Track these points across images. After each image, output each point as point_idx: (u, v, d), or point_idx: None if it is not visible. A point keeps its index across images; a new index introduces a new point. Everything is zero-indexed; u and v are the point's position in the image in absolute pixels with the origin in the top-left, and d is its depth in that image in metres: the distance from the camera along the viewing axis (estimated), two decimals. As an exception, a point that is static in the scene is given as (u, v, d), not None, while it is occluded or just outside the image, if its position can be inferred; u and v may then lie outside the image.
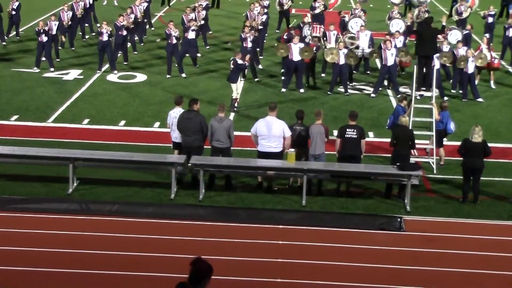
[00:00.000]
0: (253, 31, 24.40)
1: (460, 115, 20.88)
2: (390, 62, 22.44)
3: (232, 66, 20.84)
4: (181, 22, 26.40)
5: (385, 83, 23.50)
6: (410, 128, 16.16)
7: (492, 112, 21.65)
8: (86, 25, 30.07)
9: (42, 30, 24.27)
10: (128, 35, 25.85)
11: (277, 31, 31.43)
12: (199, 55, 26.82)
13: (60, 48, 26.97)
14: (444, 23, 21.99)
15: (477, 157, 14.92)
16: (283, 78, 23.63)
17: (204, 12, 28.38)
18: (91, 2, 30.88)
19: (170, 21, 25.09)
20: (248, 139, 16.80)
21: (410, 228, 13.92)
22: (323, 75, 24.80)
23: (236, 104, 20.84)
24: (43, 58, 24.71)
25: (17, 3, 28.53)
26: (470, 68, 22.38)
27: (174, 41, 23.95)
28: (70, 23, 27.23)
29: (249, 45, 23.88)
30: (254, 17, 27.68)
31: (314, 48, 23.24)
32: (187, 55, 25.29)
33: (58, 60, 25.79)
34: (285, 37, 24.43)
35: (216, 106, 16.18)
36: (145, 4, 29.64)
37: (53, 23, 25.15)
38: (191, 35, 24.79)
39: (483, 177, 15.36)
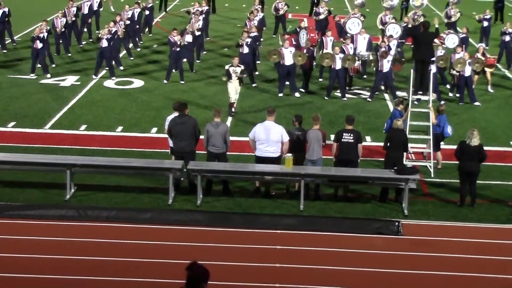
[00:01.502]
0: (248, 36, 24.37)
1: (457, 118, 20.90)
2: (386, 68, 22.48)
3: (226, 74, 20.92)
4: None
5: (382, 87, 23.54)
6: (406, 132, 16.22)
7: (489, 116, 21.69)
8: (85, 30, 30.13)
9: (36, 37, 24.25)
10: (118, 41, 25.77)
11: (273, 36, 31.49)
12: (198, 61, 26.82)
13: (56, 54, 26.98)
14: (437, 26, 22.02)
15: (473, 160, 14.94)
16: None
17: (201, 18, 28.38)
18: (95, 8, 30.85)
19: (173, 28, 25.05)
20: (246, 144, 16.81)
21: (408, 232, 13.92)
22: (320, 79, 24.84)
23: (233, 109, 20.84)
24: (39, 65, 24.70)
25: (4, 10, 28.20)
26: (467, 72, 22.41)
27: (178, 48, 23.93)
28: (63, 29, 27.21)
29: (245, 50, 23.89)
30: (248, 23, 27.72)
31: (305, 51, 23.25)
32: (184, 60, 25.33)
33: (54, 66, 25.78)
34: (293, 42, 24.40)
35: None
36: (138, 10, 29.42)
37: (44, 29, 24.86)
38: (187, 38, 24.82)
39: (480, 181, 15.39)
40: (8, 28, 28.73)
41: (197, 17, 27.34)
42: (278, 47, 24.12)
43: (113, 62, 25.04)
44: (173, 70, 24.40)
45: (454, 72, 22.80)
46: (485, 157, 15.06)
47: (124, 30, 26.62)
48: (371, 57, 23.87)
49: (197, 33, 26.18)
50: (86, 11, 30.08)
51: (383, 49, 22.57)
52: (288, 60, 22.69)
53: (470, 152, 14.91)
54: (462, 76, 22.48)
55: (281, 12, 31.40)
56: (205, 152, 15.64)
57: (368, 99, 22.86)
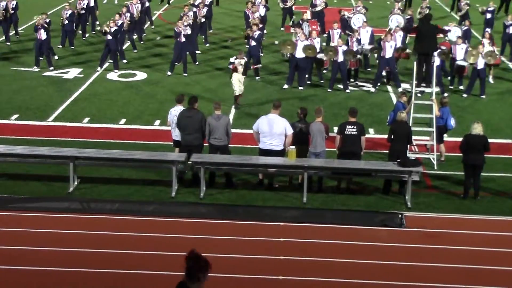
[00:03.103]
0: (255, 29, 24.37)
1: (461, 111, 20.87)
2: (388, 54, 22.44)
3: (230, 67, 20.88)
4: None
5: (384, 80, 23.52)
6: (410, 124, 16.20)
7: (492, 108, 21.65)
8: (88, 23, 30.12)
9: (41, 26, 24.20)
10: (124, 33, 25.78)
11: (282, 29, 31.42)
12: (198, 52, 26.78)
13: (60, 46, 26.99)
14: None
15: (478, 152, 14.92)
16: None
17: (205, 10, 28.36)
18: (92, 4, 30.91)
19: (179, 19, 25.06)
20: (249, 137, 16.81)
21: (411, 224, 13.92)
22: (324, 71, 24.80)
23: (238, 102, 20.81)
24: (41, 58, 24.69)
25: (14, 2, 28.50)
26: (480, 64, 22.26)
27: (183, 39, 23.91)
28: (66, 22, 27.21)
29: (253, 43, 23.87)
30: (251, 15, 27.67)
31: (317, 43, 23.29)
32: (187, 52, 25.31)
33: (56, 58, 25.77)
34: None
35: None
36: (145, 2, 29.62)
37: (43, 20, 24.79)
38: (187, 30, 24.80)
39: (484, 173, 15.37)
40: (14, 21, 28.82)
41: (200, 11, 27.34)
42: (280, 39, 24.07)
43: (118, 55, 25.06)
44: (177, 63, 24.37)
45: (463, 63, 22.65)
46: (488, 149, 15.06)
47: (129, 22, 26.62)
48: (375, 51, 23.87)
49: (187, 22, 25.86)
50: (92, 3, 30.11)
51: (388, 35, 22.62)
52: (298, 53, 22.63)
53: (475, 145, 14.90)
54: (475, 69, 22.33)
55: (289, 3, 31.25)
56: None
57: (372, 89, 22.82)
